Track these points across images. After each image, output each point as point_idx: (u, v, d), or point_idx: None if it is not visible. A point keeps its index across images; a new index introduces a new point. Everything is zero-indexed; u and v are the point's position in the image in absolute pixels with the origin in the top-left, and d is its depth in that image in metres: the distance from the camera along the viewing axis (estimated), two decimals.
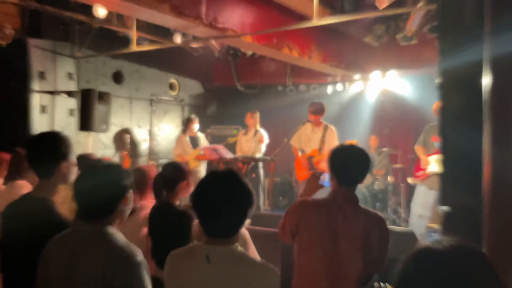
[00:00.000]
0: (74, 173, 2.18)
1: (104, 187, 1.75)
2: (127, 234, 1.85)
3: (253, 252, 2.35)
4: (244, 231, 2.33)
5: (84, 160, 3.98)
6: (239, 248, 1.66)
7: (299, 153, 6.02)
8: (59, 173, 2.10)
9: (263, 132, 6.82)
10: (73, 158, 2.17)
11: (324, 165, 5.52)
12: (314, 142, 5.92)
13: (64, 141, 2.15)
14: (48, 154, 2.10)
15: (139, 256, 1.69)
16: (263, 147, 6.77)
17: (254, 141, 6.78)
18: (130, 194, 1.84)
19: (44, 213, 2.02)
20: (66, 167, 2.11)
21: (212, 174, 1.74)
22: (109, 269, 1.63)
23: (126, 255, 1.67)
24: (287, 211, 2.49)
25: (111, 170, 1.84)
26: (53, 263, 1.75)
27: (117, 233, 1.75)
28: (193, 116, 7.18)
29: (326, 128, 5.94)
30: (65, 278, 1.70)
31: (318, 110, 5.91)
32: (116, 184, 1.79)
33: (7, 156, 3.82)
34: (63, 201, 3.69)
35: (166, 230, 2.66)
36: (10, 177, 3.63)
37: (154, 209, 2.80)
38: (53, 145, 2.13)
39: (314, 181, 2.65)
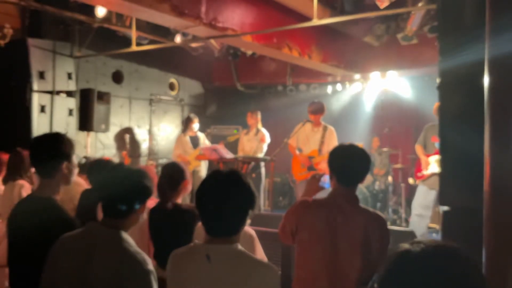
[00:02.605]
0: (75, 174, 2.21)
1: (131, 189, 1.81)
2: (132, 235, 1.86)
3: (260, 252, 2.35)
4: (251, 231, 2.34)
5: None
6: (240, 247, 1.67)
7: (297, 152, 5.99)
8: (60, 174, 2.12)
9: (264, 132, 6.81)
10: (74, 159, 2.19)
11: (324, 166, 5.51)
12: (313, 142, 5.90)
13: (66, 142, 2.18)
14: (49, 154, 2.12)
15: (150, 264, 1.72)
16: (264, 147, 6.77)
17: (256, 140, 6.78)
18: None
19: (51, 211, 2.05)
20: (67, 168, 2.13)
21: (215, 173, 1.75)
22: (120, 274, 1.66)
23: (138, 262, 1.69)
24: (287, 212, 2.49)
25: (136, 173, 1.88)
26: (64, 261, 1.76)
27: (130, 239, 1.77)
28: (192, 115, 7.17)
29: (325, 128, 5.91)
30: (75, 277, 1.71)
31: (318, 109, 5.89)
32: (142, 187, 1.84)
33: (5, 156, 3.83)
34: (64, 200, 3.69)
35: (169, 229, 2.67)
36: (10, 177, 3.63)
37: (156, 209, 2.81)
38: (54, 145, 2.16)
39: (314, 183, 2.65)
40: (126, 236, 1.78)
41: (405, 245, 1.01)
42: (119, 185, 1.80)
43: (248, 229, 2.32)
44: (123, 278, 1.65)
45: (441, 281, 0.93)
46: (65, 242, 1.82)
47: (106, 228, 1.77)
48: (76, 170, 2.21)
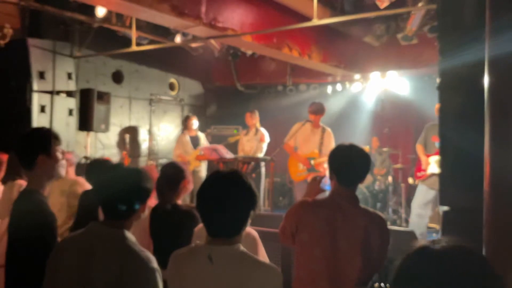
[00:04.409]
0: (59, 169, 2.19)
1: (131, 189, 1.81)
2: (134, 234, 1.87)
3: (263, 254, 2.35)
4: (254, 233, 2.33)
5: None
6: (242, 248, 1.67)
7: (294, 150, 5.95)
8: (39, 166, 2.11)
9: (263, 131, 6.82)
10: (55, 153, 2.16)
11: (325, 167, 5.50)
12: (313, 143, 5.89)
13: (43, 135, 2.19)
14: (26, 146, 2.16)
15: (154, 262, 1.71)
16: (264, 146, 6.77)
17: (255, 140, 6.78)
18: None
19: (31, 204, 2.07)
20: (43, 160, 2.11)
21: (215, 174, 1.75)
22: (124, 273, 1.65)
23: (142, 261, 1.69)
24: (287, 213, 2.49)
25: (136, 173, 1.88)
26: (66, 262, 1.76)
27: (133, 238, 1.78)
28: (190, 114, 7.22)
29: (324, 130, 5.92)
30: (78, 278, 1.71)
31: (319, 110, 5.89)
32: (142, 187, 1.84)
33: (4, 157, 3.82)
34: (60, 208, 3.69)
35: (168, 230, 2.67)
36: (9, 177, 3.63)
37: (157, 209, 2.80)
38: (31, 138, 2.19)
39: (315, 185, 2.65)
40: (129, 235, 1.78)
41: (424, 242, 1.01)
42: (118, 186, 1.80)
43: (251, 230, 2.32)
44: (128, 277, 1.65)
45: (459, 280, 0.93)
46: (66, 243, 1.82)
47: (109, 228, 1.77)
48: (61, 165, 2.19)
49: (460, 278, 0.94)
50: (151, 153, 8.18)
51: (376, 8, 4.97)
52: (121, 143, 7.66)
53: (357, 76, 8.28)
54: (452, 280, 0.94)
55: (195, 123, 7.07)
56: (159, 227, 2.74)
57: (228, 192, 1.66)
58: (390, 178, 7.43)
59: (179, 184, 2.79)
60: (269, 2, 5.71)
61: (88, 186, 3.44)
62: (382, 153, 7.82)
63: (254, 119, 6.85)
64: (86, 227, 1.83)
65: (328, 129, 5.94)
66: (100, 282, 1.67)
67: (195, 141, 7.03)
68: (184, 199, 2.95)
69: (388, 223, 2.91)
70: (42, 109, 6.10)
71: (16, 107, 6.02)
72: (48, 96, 6.20)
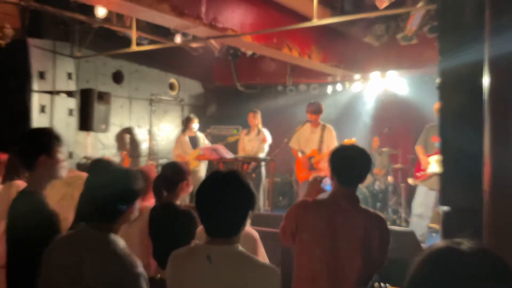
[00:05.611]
0: (61, 169, 2.17)
1: (116, 191, 1.77)
2: (132, 237, 1.85)
3: (262, 254, 2.35)
4: (254, 233, 2.33)
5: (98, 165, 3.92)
6: (240, 248, 1.67)
7: (299, 154, 6.02)
8: (41, 167, 2.10)
9: (266, 132, 6.83)
10: (56, 153, 2.15)
11: (324, 165, 5.52)
12: (313, 142, 5.93)
13: (44, 135, 2.17)
14: (27, 146, 2.15)
15: (140, 267, 1.70)
16: (266, 147, 6.78)
17: (257, 140, 6.79)
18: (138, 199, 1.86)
19: (33, 205, 2.06)
20: (45, 161, 2.10)
21: (215, 174, 1.75)
22: (110, 278, 1.65)
23: (127, 265, 1.68)
24: (287, 213, 2.49)
25: (123, 174, 1.85)
26: (58, 263, 1.75)
27: (119, 242, 1.76)
28: (192, 115, 7.20)
29: (324, 128, 5.96)
30: (68, 280, 1.70)
31: (318, 109, 5.93)
32: (127, 189, 1.81)
33: (4, 157, 3.81)
34: (62, 197, 3.68)
35: (167, 230, 2.66)
36: (8, 177, 3.62)
37: (155, 210, 2.80)
38: (32, 138, 2.19)
39: (316, 185, 2.65)
40: (115, 238, 1.75)
41: (447, 242, 0.98)
42: (103, 188, 1.76)
43: (251, 230, 2.32)
44: (113, 282, 1.64)
45: (485, 283, 0.92)
46: (58, 244, 1.81)
47: (95, 231, 1.75)
48: (62, 166, 2.17)
49: (487, 281, 0.92)
50: (151, 153, 8.18)
51: (376, 8, 4.97)
52: (120, 143, 7.66)
53: (357, 76, 8.28)
54: (479, 283, 0.92)
55: (195, 126, 7.08)
56: (157, 228, 2.74)
57: (226, 192, 1.66)
58: (390, 178, 7.43)
59: (177, 186, 2.77)
60: (269, 2, 5.71)
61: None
62: (382, 153, 7.82)
63: (256, 119, 6.86)
64: (78, 228, 1.82)
65: (329, 126, 5.98)
66: (89, 284, 1.66)
67: (194, 141, 7.04)
68: (183, 199, 2.95)
69: (388, 223, 2.91)
70: (42, 109, 6.09)
71: (16, 107, 6.02)
72: (48, 96, 6.19)
